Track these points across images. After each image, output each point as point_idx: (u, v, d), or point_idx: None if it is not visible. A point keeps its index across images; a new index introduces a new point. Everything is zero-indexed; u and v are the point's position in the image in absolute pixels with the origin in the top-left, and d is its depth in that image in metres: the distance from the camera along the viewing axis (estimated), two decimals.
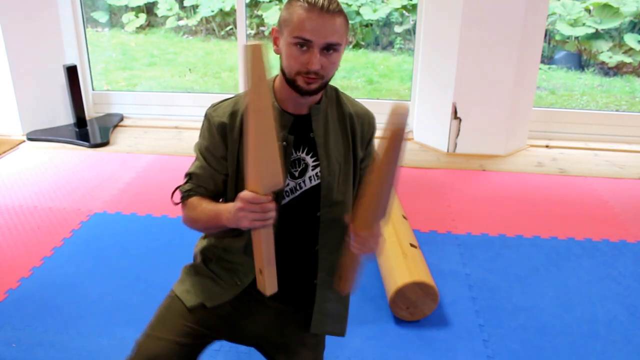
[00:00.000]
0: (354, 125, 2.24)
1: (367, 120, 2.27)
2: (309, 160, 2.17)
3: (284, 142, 2.11)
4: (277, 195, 2.06)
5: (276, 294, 2.02)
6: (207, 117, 2.20)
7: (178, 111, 6.66)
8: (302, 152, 2.16)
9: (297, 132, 2.14)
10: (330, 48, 1.97)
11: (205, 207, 2.15)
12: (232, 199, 1.97)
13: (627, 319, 3.35)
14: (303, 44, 1.94)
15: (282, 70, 2.04)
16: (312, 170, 2.17)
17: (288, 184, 2.15)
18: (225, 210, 2.00)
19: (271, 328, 2.33)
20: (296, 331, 2.35)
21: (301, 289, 2.33)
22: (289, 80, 2.02)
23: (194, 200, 2.21)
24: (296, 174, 2.16)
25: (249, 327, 2.32)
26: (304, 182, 2.17)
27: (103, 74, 8.67)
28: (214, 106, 2.21)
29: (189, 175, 2.26)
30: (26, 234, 4.18)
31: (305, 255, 2.28)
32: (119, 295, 3.52)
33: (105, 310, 3.39)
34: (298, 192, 2.18)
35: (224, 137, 2.15)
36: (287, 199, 2.17)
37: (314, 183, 2.18)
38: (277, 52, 2.06)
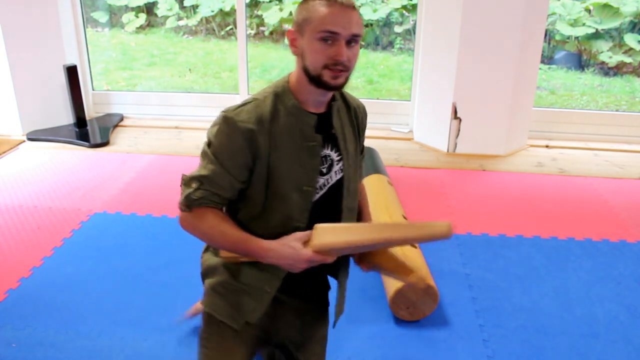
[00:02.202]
0: (358, 117, 2.34)
1: (363, 112, 2.37)
2: (334, 156, 2.22)
3: (314, 142, 2.15)
4: (312, 195, 2.18)
5: (299, 292, 2.30)
6: (228, 121, 2.08)
7: (178, 111, 6.66)
8: (328, 149, 2.21)
9: (321, 131, 2.19)
10: (353, 40, 2.03)
11: (228, 230, 2.11)
12: (259, 205, 2.13)
13: (627, 319, 3.36)
14: (329, 37, 2.00)
15: (304, 69, 2.07)
16: (337, 165, 2.23)
17: (318, 181, 2.20)
18: (261, 248, 2.06)
19: (294, 328, 2.38)
20: (314, 328, 2.44)
21: (321, 284, 2.46)
22: (314, 77, 2.06)
23: (210, 215, 2.12)
24: (324, 170, 2.21)
25: (277, 331, 2.37)
26: (330, 177, 2.23)
27: (103, 74, 8.67)
28: (235, 110, 2.11)
29: (200, 180, 2.10)
30: (26, 234, 4.18)
31: None
32: (119, 295, 3.52)
33: (105, 310, 3.39)
34: (326, 188, 2.23)
35: (250, 144, 2.07)
36: (317, 196, 2.21)
37: (338, 177, 2.25)
38: (296, 53, 2.09)
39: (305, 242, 2.03)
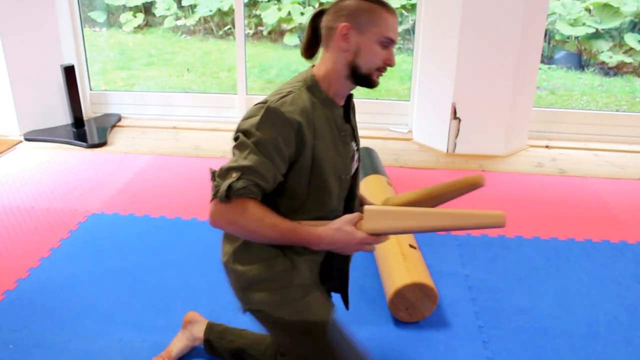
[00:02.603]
0: (353, 104, 2.43)
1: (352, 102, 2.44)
2: (354, 146, 2.37)
3: (345, 132, 2.29)
4: (346, 183, 2.32)
5: (330, 280, 2.47)
6: (274, 111, 2.07)
7: (176, 111, 6.66)
8: (351, 141, 2.35)
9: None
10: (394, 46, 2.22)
11: (276, 221, 2.08)
12: (301, 197, 2.19)
13: (627, 320, 3.36)
14: (388, 44, 2.17)
15: (350, 65, 2.18)
16: (355, 154, 2.38)
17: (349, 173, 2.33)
18: (315, 235, 2.09)
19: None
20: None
21: (341, 270, 2.55)
22: (362, 75, 2.20)
23: (253, 206, 2.06)
24: (350, 161, 2.34)
25: None
26: (353, 166, 2.37)
27: (101, 74, 8.66)
28: (277, 101, 2.11)
29: (241, 170, 2.04)
30: (23, 235, 4.18)
31: None
32: (117, 297, 3.52)
33: (103, 311, 3.39)
34: (349, 178, 2.34)
35: (297, 135, 2.10)
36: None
37: (355, 166, 2.39)
38: (346, 48, 2.17)
39: (355, 225, 2.09)
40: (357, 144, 2.41)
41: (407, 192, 2.56)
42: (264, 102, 2.11)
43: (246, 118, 2.14)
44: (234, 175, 2.03)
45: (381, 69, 2.21)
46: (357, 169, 2.40)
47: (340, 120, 2.27)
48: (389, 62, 2.20)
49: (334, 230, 2.08)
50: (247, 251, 2.27)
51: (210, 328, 2.95)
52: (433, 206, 2.48)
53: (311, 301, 2.28)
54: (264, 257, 2.25)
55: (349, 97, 2.35)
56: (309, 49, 2.31)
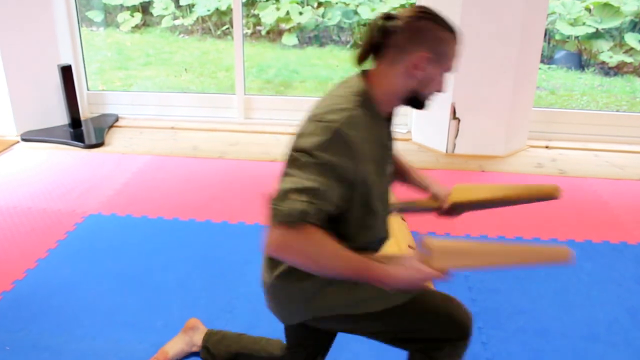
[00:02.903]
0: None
1: None
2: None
3: (389, 152, 2.29)
4: (387, 203, 2.30)
5: None
6: (339, 134, 1.96)
7: (174, 111, 6.66)
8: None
9: None
10: None
11: (347, 253, 1.95)
12: (354, 223, 2.12)
13: (628, 322, 3.36)
14: (449, 72, 2.15)
15: (413, 90, 2.13)
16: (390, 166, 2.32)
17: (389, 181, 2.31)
18: (387, 275, 1.96)
19: None
20: None
21: None
22: (419, 101, 2.18)
23: (319, 233, 1.93)
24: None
25: None
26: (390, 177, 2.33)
27: (98, 74, 8.67)
28: (341, 121, 1.99)
29: (306, 192, 1.91)
30: (20, 236, 4.18)
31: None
32: (114, 298, 3.52)
33: (101, 312, 3.39)
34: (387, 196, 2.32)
35: (355, 160, 2.00)
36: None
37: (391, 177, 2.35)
38: (419, 76, 2.10)
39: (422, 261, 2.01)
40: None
41: (484, 185, 2.66)
42: (328, 121, 1.98)
43: (306, 135, 2.00)
44: (304, 198, 1.89)
45: (435, 95, 2.19)
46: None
47: (387, 138, 2.24)
48: (443, 89, 2.20)
49: (406, 268, 1.97)
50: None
51: (208, 335, 2.94)
52: (501, 206, 2.66)
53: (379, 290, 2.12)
54: None
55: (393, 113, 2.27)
56: (365, 57, 2.17)
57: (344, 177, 1.97)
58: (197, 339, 2.98)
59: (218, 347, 2.87)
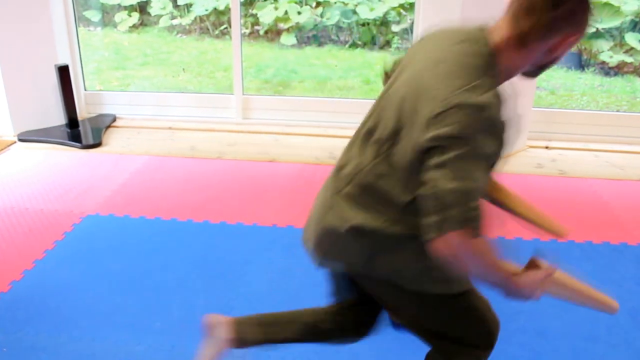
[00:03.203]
0: None
1: None
2: None
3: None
4: None
5: None
6: (486, 113, 1.85)
7: (172, 111, 6.66)
8: None
9: None
10: None
11: (500, 264, 2.07)
12: None
13: (628, 323, 3.37)
14: None
15: (541, 65, 2.10)
16: None
17: None
18: (517, 284, 2.12)
19: None
20: None
21: None
22: (540, 70, 2.14)
23: (482, 239, 1.93)
24: None
25: None
26: None
27: (95, 74, 8.67)
28: (482, 97, 1.86)
29: (476, 193, 1.86)
30: (17, 237, 4.18)
31: None
32: (113, 299, 3.52)
33: (99, 313, 3.39)
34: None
35: (502, 145, 1.95)
36: None
37: None
38: (558, 54, 2.06)
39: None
40: None
41: (516, 198, 2.80)
42: (473, 103, 1.84)
43: (450, 118, 1.84)
44: (470, 201, 1.84)
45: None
46: None
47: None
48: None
49: (532, 281, 2.14)
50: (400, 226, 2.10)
51: (236, 324, 2.81)
52: (514, 217, 2.77)
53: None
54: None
55: None
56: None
57: (493, 164, 1.98)
58: (223, 333, 2.69)
59: (253, 333, 2.69)
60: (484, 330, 2.39)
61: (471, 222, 1.83)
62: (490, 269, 2.00)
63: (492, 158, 1.93)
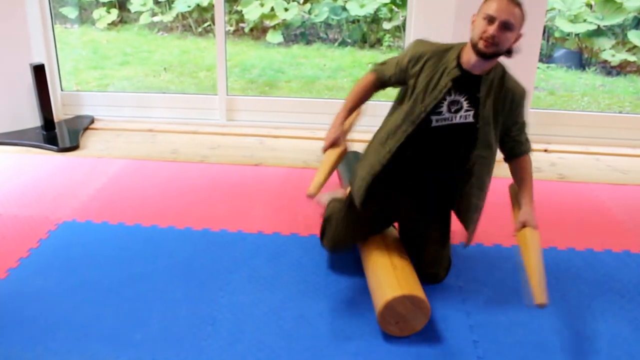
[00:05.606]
0: (508, 97, 3.41)
1: (518, 94, 3.48)
2: (464, 104, 3.31)
3: (444, 86, 3.28)
4: (424, 114, 3.32)
5: (418, 195, 3.69)
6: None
7: (152, 113, 6.67)
8: (461, 96, 3.29)
9: (464, 84, 3.28)
10: (506, 27, 3.11)
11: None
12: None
13: (631, 334, 3.37)
14: (490, 19, 3.10)
15: (471, 39, 3.20)
16: (465, 112, 3.31)
17: (443, 114, 3.31)
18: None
19: (411, 213, 3.82)
20: (430, 222, 3.81)
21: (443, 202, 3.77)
22: (473, 44, 3.18)
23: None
24: (453, 109, 3.31)
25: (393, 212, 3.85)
26: (455, 117, 3.32)
27: (72, 74, 8.67)
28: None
29: None
30: None
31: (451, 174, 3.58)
32: (90, 309, 3.51)
33: (76, 324, 3.38)
34: (447, 122, 3.33)
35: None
36: (437, 124, 3.33)
37: (462, 121, 3.33)
38: (471, 28, 3.22)
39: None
40: (481, 111, 3.33)
41: (532, 248, 3.35)
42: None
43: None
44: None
45: (484, 39, 3.10)
46: (470, 127, 3.37)
47: (449, 77, 3.28)
48: (483, 32, 3.10)
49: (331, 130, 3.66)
50: None
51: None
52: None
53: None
54: None
55: (487, 75, 3.32)
56: None
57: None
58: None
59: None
60: (329, 235, 3.81)
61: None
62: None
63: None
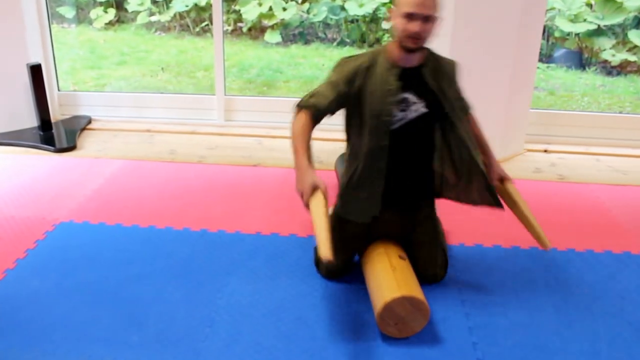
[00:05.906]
0: (446, 71, 3.59)
1: (453, 66, 3.68)
2: (413, 98, 3.40)
3: (393, 87, 3.36)
4: (389, 123, 3.38)
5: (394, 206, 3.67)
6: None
7: (150, 113, 6.66)
8: (407, 93, 3.39)
9: (407, 79, 3.40)
10: (427, 20, 3.25)
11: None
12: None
13: (631, 336, 3.37)
14: (409, 17, 3.24)
15: (396, 37, 3.33)
16: (415, 105, 3.41)
17: (397, 115, 3.38)
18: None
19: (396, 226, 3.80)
20: (416, 223, 3.78)
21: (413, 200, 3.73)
22: (399, 42, 3.32)
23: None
24: (403, 107, 3.39)
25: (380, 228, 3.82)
26: (409, 114, 3.41)
27: (69, 74, 8.66)
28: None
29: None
30: None
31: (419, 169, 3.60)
32: (87, 311, 3.51)
33: (73, 326, 3.38)
34: (404, 121, 3.40)
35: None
36: (397, 125, 3.39)
37: (415, 115, 3.42)
38: (393, 26, 3.34)
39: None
40: (442, 100, 3.47)
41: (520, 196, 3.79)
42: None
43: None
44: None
45: (410, 37, 3.26)
46: (425, 115, 3.45)
47: (393, 77, 3.37)
48: (406, 31, 3.25)
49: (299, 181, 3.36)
50: None
51: None
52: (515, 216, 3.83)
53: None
54: None
55: (426, 64, 3.51)
56: None
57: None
58: None
59: None
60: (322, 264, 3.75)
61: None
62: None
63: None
